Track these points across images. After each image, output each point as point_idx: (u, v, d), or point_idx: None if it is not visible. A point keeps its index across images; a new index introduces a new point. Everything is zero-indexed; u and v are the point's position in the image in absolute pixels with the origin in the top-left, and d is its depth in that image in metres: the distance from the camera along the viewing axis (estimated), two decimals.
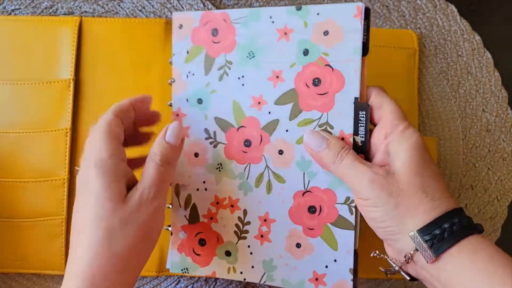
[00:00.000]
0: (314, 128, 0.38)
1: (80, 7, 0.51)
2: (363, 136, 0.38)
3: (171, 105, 0.47)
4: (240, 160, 0.41)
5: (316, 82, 0.38)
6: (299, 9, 0.39)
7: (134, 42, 0.49)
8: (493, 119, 0.52)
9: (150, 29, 0.49)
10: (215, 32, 0.41)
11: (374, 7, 0.53)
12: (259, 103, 0.40)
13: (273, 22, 0.40)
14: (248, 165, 0.41)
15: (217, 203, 0.42)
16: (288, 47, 0.39)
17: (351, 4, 0.37)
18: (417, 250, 0.34)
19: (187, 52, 0.43)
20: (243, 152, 0.41)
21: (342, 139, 0.38)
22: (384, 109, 0.37)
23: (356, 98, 0.37)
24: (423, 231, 0.34)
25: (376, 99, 0.38)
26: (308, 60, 0.39)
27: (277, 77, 0.39)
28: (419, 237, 0.34)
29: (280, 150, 0.40)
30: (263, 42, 0.40)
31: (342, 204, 0.39)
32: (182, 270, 0.43)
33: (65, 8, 0.51)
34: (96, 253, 0.32)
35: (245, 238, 0.41)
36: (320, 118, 0.38)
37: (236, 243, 0.42)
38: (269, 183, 0.40)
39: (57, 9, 0.51)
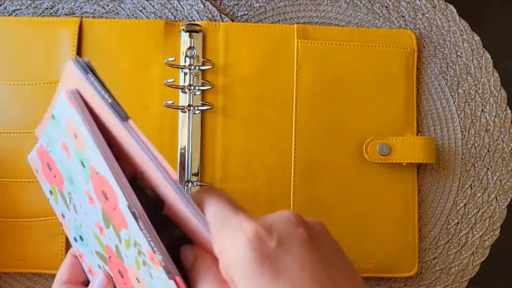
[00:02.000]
0: (134, 250, 0.28)
1: (81, 8, 0.51)
2: (159, 252, 0.26)
3: (167, 106, 0.47)
4: None
5: (105, 195, 0.29)
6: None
7: (133, 43, 0.49)
8: (492, 119, 0.52)
9: (149, 30, 0.49)
10: (49, 167, 0.35)
11: (374, 7, 0.53)
12: (101, 229, 0.31)
13: None
14: None
15: None
16: (71, 163, 0.32)
17: (61, 93, 0.30)
18: None
19: (50, 193, 0.36)
20: (124, 283, 0.33)
21: (152, 259, 0.27)
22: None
23: (128, 206, 0.27)
24: None
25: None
26: (89, 172, 0.30)
27: (90, 198, 0.31)
28: None
29: (137, 278, 0.30)
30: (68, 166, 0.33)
31: None
32: None
33: (66, 8, 0.51)
34: None
35: None
36: (129, 237, 0.28)
37: None
38: None
39: (58, 10, 0.51)
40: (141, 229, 0.27)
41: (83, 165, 0.30)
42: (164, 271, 0.26)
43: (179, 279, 0.26)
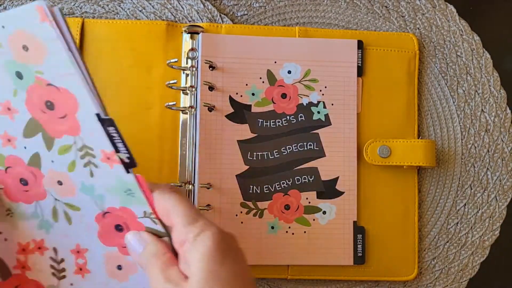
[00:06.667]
0: (76, 153, 0.34)
1: (80, 8, 0.51)
2: (126, 151, 0.33)
3: (169, 107, 0.47)
4: (26, 200, 0.37)
5: (49, 105, 0.33)
6: None
7: (135, 43, 0.49)
8: (492, 119, 0.52)
9: (151, 31, 0.49)
10: None
11: (374, 7, 0.53)
12: (9, 140, 0.35)
13: None
14: (36, 203, 0.37)
15: (23, 250, 0.39)
16: None
17: (28, 6, 0.30)
18: None
19: None
20: (25, 191, 0.37)
21: (108, 158, 0.33)
22: (173, 214, 0.34)
23: (97, 114, 0.32)
24: None
25: (161, 204, 0.35)
26: (27, 84, 0.33)
27: (8, 109, 0.34)
28: None
29: (59, 181, 0.36)
30: None
31: (143, 217, 0.36)
32: None
33: (66, 8, 0.51)
34: None
35: (64, 277, 0.39)
36: (75, 142, 0.34)
37: (58, 285, 0.39)
38: (66, 214, 0.37)
39: None
40: (109, 133, 0.32)
41: (20, 77, 0.33)
42: (124, 167, 0.33)
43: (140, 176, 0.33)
